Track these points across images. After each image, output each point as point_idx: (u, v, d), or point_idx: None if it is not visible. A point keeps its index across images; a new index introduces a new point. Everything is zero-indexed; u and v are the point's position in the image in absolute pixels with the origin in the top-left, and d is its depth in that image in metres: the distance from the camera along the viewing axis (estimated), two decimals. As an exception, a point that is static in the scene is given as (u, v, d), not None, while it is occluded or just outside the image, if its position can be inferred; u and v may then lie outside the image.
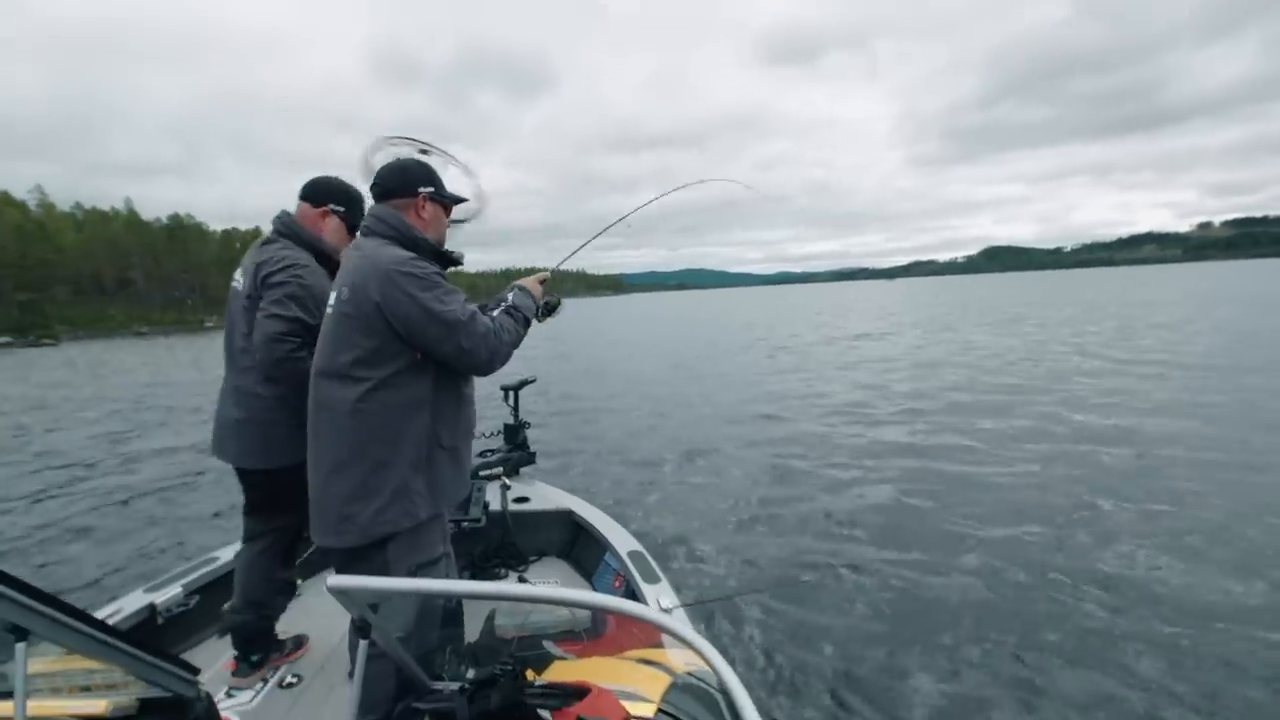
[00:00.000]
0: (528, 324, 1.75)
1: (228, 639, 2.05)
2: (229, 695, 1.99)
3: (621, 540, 2.57)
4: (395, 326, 1.47)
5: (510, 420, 3.57)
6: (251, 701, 1.97)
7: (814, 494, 5.19)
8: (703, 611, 3.21)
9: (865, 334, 21.88)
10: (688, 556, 4.04)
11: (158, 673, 0.93)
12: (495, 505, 2.98)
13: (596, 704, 1.00)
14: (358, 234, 1.67)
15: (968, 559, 3.85)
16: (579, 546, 2.96)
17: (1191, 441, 6.08)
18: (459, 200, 1.78)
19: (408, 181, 1.65)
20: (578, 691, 1.04)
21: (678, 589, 2.20)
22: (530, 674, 1.17)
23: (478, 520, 2.83)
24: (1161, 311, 23.24)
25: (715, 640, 2.95)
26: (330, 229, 2.03)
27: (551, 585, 2.75)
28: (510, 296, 1.74)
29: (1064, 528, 4.23)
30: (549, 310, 1.95)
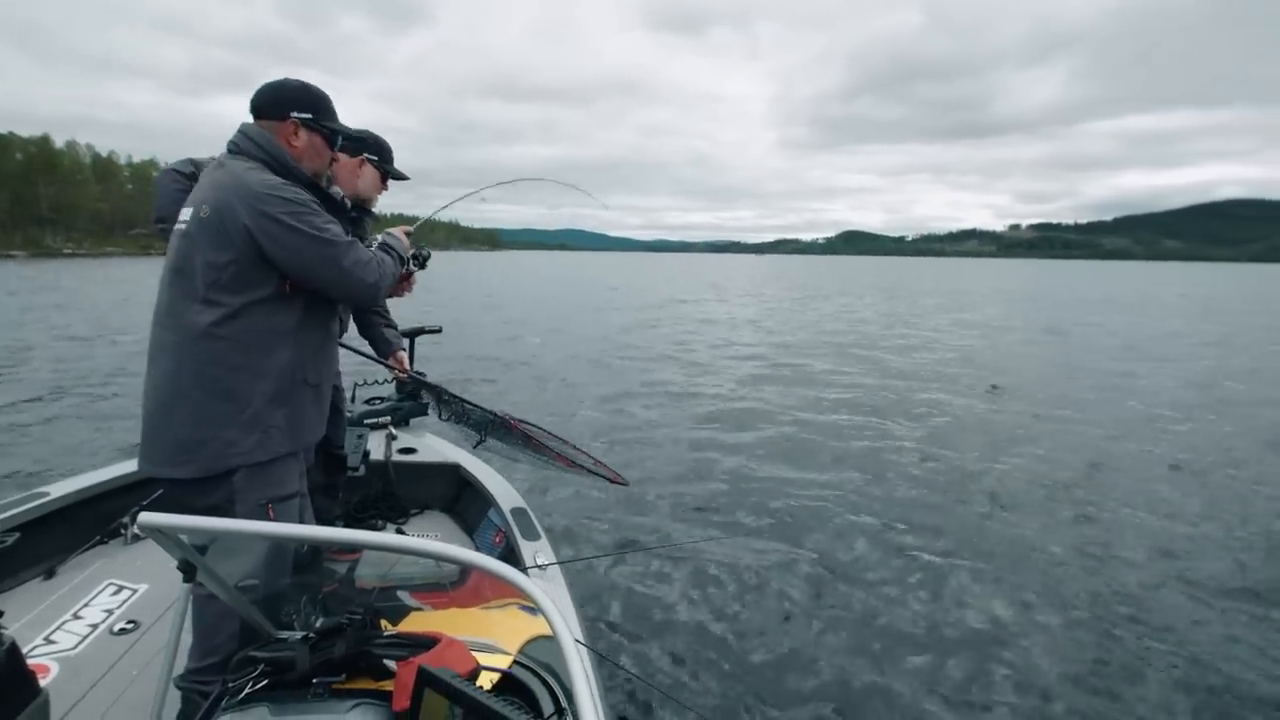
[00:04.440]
0: (403, 264, 1.77)
1: (54, 581, 1.91)
2: (48, 641, 1.85)
3: (506, 496, 2.55)
4: (267, 252, 1.40)
5: None
6: (75, 647, 1.83)
7: (705, 454, 5.35)
8: (580, 569, 3.17)
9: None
10: (575, 514, 4.07)
11: None
12: (378, 455, 2.85)
13: (444, 654, 0.97)
14: (225, 151, 1.51)
15: (830, 516, 4.29)
16: (463, 501, 2.91)
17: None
18: (351, 134, 1.64)
19: (278, 102, 1.50)
20: (426, 641, 1.01)
21: (558, 546, 2.23)
22: (385, 624, 1.13)
23: (356, 469, 2.69)
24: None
25: (588, 597, 3.00)
26: (366, 176, 2.16)
27: (426, 538, 2.69)
28: (380, 238, 1.76)
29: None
30: (420, 262, 2.03)
